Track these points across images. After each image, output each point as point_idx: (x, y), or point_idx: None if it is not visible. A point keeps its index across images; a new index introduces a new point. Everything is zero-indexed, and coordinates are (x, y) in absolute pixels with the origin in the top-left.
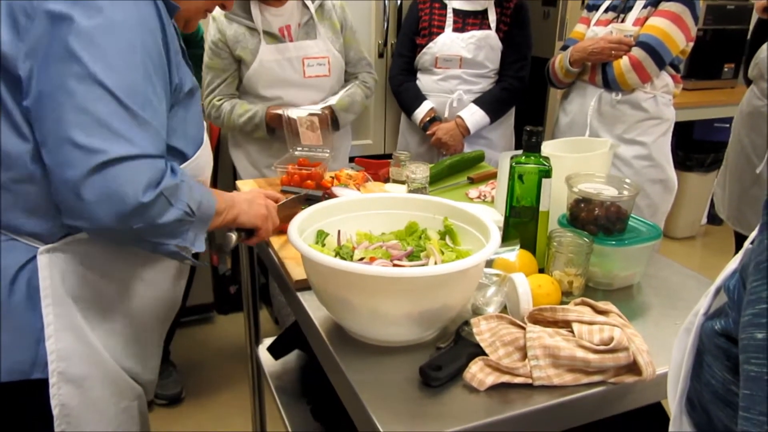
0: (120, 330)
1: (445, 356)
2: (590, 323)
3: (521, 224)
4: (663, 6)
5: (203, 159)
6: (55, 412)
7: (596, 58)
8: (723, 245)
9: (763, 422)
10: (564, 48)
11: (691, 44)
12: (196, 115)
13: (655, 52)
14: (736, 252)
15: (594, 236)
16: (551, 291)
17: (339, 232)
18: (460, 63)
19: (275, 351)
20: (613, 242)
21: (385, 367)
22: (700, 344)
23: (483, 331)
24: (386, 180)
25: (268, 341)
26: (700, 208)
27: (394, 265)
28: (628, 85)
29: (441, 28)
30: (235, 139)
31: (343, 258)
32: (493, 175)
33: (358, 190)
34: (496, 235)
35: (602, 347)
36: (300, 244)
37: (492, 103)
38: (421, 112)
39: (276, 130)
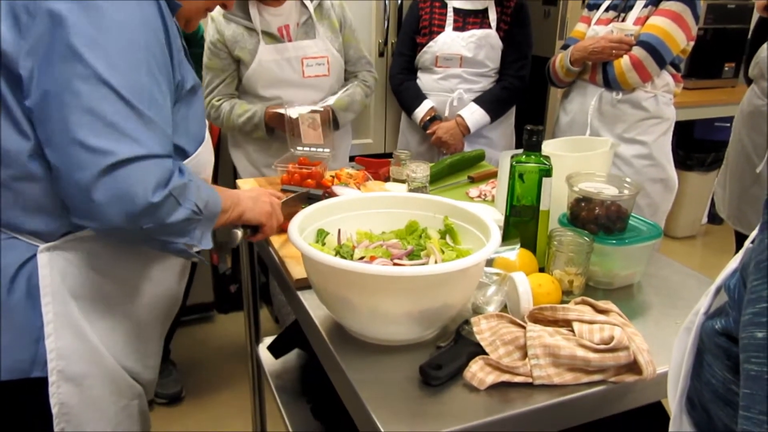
0: (120, 329)
1: (445, 355)
2: (590, 322)
3: (522, 223)
4: (664, 5)
5: (204, 156)
6: (54, 410)
7: (597, 58)
8: (723, 244)
9: (764, 421)
10: (564, 47)
11: (692, 43)
12: (198, 112)
13: (655, 51)
14: (737, 251)
15: (594, 235)
16: (551, 290)
17: (339, 231)
18: (460, 62)
19: (275, 350)
20: (614, 241)
21: (386, 366)
22: (701, 343)
23: (483, 330)
24: (386, 179)
25: (268, 340)
26: (701, 207)
27: (395, 264)
28: (628, 85)
29: (441, 27)
30: (235, 139)
31: (343, 257)
32: (493, 174)
33: (359, 189)
34: (497, 235)
35: (602, 346)
36: (300, 243)
37: (492, 103)
38: (421, 111)
39: (275, 130)
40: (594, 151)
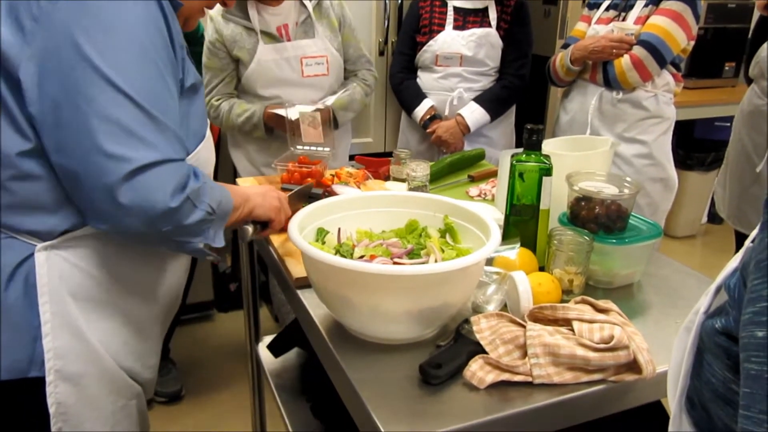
0: (119, 328)
1: (445, 354)
2: (590, 321)
3: (522, 222)
4: (664, 4)
5: (204, 154)
6: (51, 410)
7: (597, 57)
8: (723, 244)
9: (764, 420)
10: (565, 46)
11: (692, 43)
12: (200, 110)
13: (656, 50)
14: (737, 251)
15: (594, 234)
16: (551, 289)
17: (339, 229)
18: (460, 61)
19: (275, 349)
20: (614, 241)
21: (385, 365)
22: (701, 343)
23: (483, 329)
24: (386, 178)
25: (268, 339)
26: (701, 206)
27: (395, 263)
28: (629, 84)
29: (441, 26)
30: (235, 139)
31: (343, 256)
32: (493, 173)
33: (359, 188)
34: (497, 234)
35: (602, 345)
36: (300, 241)
37: (492, 101)
38: (421, 110)
39: (274, 130)
40: (594, 151)
